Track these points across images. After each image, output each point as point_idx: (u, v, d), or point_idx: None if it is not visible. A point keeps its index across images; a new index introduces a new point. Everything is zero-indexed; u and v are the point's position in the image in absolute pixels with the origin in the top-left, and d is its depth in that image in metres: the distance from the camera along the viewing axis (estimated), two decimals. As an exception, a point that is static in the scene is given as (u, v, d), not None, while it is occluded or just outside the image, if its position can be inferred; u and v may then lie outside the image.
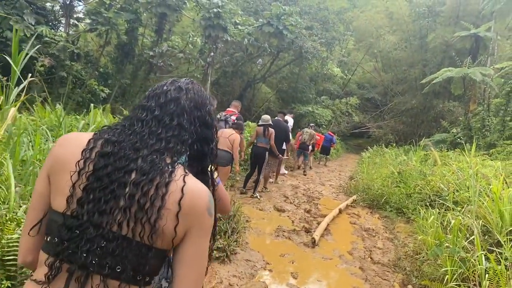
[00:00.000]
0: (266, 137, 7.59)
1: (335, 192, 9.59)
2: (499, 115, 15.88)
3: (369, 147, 22.26)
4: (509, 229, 3.62)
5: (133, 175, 1.01)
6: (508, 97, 15.36)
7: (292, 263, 4.47)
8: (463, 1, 25.33)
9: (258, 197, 7.45)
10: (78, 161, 1.02)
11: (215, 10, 11.95)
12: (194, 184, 1.06)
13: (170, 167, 1.04)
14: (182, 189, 1.02)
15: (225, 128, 6.43)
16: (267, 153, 7.68)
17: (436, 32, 25.87)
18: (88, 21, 14.02)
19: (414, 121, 27.73)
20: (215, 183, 1.25)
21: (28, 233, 1.07)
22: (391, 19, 29.68)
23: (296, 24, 14.11)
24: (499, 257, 3.24)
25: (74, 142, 1.08)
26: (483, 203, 4.32)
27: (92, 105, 5.73)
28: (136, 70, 16.45)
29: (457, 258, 3.40)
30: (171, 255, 1.09)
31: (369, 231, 6.16)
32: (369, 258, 4.89)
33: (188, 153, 1.14)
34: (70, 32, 14.52)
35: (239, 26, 14.17)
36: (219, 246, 4.04)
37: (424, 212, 5.37)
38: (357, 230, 6.16)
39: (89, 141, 1.06)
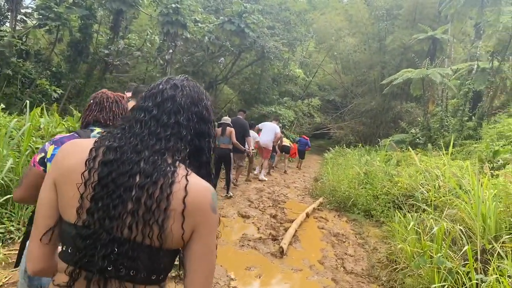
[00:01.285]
0: (226, 136, 7.49)
1: (300, 194, 9.28)
2: (457, 116, 16.20)
3: (331, 148, 22.36)
4: (494, 235, 3.35)
5: (137, 178, 1.02)
6: (465, 98, 15.69)
7: (259, 277, 4.04)
8: (420, 4, 25.93)
9: (232, 195, 7.61)
10: (83, 172, 1.03)
11: (173, 5, 11.39)
12: (196, 183, 1.08)
13: (172, 167, 1.06)
14: (185, 188, 1.03)
15: None
16: (231, 153, 7.55)
17: (394, 35, 26.35)
18: (37, 16, 13.08)
19: (374, 122, 28.14)
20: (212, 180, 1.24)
21: (40, 240, 1.08)
22: (350, 21, 30.02)
23: (258, 23, 13.77)
24: (488, 267, 2.96)
25: (76, 151, 1.09)
26: (463, 206, 4.06)
27: (27, 102, 5.08)
28: (91, 69, 15.64)
29: (444, 269, 3.09)
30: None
31: (338, 237, 5.84)
32: (341, 267, 4.53)
33: (187, 150, 1.14)
34: (18, 28, 13.55)
35: (199, 24, 13.66)
36: (175, 263, 3.52)
37: (400, 216, 5.05)
38: (326, 236, 5.82)
39: (91, 150, 1.06)
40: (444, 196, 5.05)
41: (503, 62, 15.37)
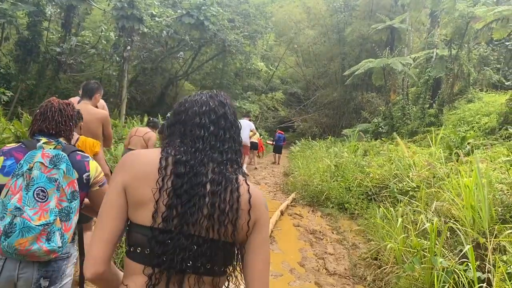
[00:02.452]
0: None
1: (272, 191, 9.00)
2: (418, 103, 16.44)
3: (297, 141, 22.33)
4: (488, 228, 3.16)
5: (208, 187, 1.16)
6: (426, 85, 15.94)
7: None
8: (376, -5, 26.25)
9: None
10: (157, 179, 1.14)
11: (127, -2, 10.77)
12: (253, 186, 1.25)
13: (234, 174, 1.22)
14: (248, 191, 1.21)
15: None
16: None
17: (353, 26, 26.55)
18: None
19: (336, 113, 28.38)
20: None
21: (106, 242, 1.15)
22: (309, 14, 30.03)
23: (218, 15, 13.33)
24: (484, 264, 2.77)
25: (144, 160, 1.21)
26: (450, 197, 3.88)
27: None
28: (43, 69, 14.71)
29: (441, 270, 2.87)
30: None
31: (315, 234, 5.60)
32: (323, 269, 4.27)
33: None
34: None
35: (156, 18, 13.05)
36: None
37: (385, 212, 4.81)
38: (302, 234, 5.56)
39: (161, 159, 1.18)
40: (424, 186, 4.87)
41: (460, 49, 15.69)
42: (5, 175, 1.78)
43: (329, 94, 28.15)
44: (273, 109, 27.17)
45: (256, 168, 12.87)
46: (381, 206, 6.28)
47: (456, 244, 3.58)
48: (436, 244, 3.20)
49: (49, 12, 14.34)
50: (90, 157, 2.00)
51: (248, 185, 1.21)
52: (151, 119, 6.40)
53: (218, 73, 23.07)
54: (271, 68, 28.77)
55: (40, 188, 1.68)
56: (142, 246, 1.13)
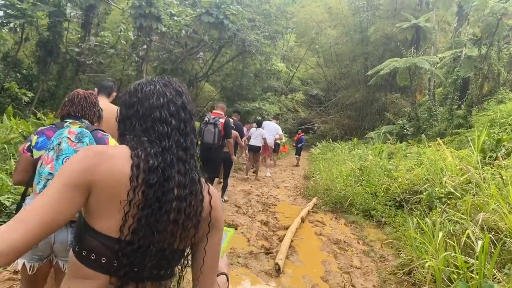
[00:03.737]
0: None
1: (291, 195, 8.58)
2: (446, 104, 15.78)
3: (317, 143, 21.89)
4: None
5: (175, 191, 1.09)
6: (454, 86, 15.24)
7: (254, 305, 3.34)
8: (401, -7, 25.56)
9: (226, 199, 7.11)
10: (128, 191, 1.04)
11: (145, -3, 10.53)
12: (211, 186, 1.21)
13: (197, 174, 1.15)
14: (209, 192, 1.18)
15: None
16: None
17: (376, 25, 25.92)
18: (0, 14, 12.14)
19: (359, 115, 27.85)
20: None
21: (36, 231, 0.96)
22: (330, 13, 29.53)
23: (237, 14, 12.99)
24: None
25: (114, 166, 1.07)
26: (497, 207, 3.41)
27: None
28: (62, 69, 14.73)
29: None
30: None
31: (339, 244, 5.16)
32: (350, 286, 3.85)
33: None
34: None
35: (175, 17, 12.81)
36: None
37: (420, 222, 4.35)
38: (325, 244, 5.13)
39: (132, 167, 1.06)
40: (462, 193, 4.37)
41: (491, 48, 14.95)
42: (38, 150, 2.09)
43: (351, 95, 27.60)
44: (293, 110, 26.78)
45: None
46: (412, 214, 5.83)
47: (504, 261, 3.12)
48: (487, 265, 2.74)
49: (69, 13, 14.35)
50: (109, 135, 2.22)
51: (208, 185, 1.18)
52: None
53: (238, 74, 22.81)
54: (291, 69, 28.40)
55: (67, 157, 1.94)
56: (99, 254, 1.06)
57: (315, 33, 28.37)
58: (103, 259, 1.05)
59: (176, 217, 1.08)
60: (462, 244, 3.26)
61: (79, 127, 2.09)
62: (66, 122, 2.14)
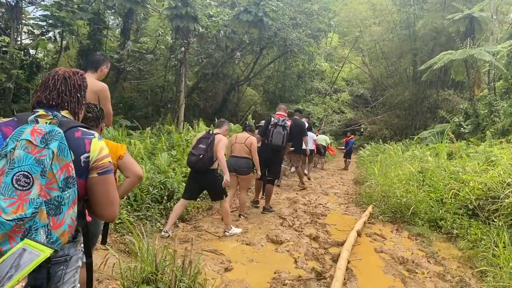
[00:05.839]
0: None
1: (342, 203, 7.72)
2: (509, 98, 14.31)
3: (365, 144, 20.84)
4: None
5: None
6: (519, 77, 13.78)
7: None
8: (450, -15, 23.91)
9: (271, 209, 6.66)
10: None
11: (181, -3, 10.06)
12: None
13: None
14: None
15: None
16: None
17: (424, 19, 24.54)
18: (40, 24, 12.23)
19: (409, 114, 26.45)
20: None
21: None
22: (374, 10, 28.36)
23: (277, 10, 12.29)
24: None
25: None
26: None
27: None
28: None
29: None
30: None
31: (406, 264, 4.29)
32: (430, 325, 3.02)
33: None
34: (25, 40, 12.79)
35: (213, 18, 12.32)
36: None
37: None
38: (389, 264, 4.27)
39: None
40: None
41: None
42: None
43: (399, 93, 26.26)
44: (338, 111, 25.84)
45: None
46: (490, 225, 4.89)
47: None
48: None
49: (109, 20, 14.33)
50: (96, 135, 1.59)
51: None
52: (247, 123, 6.61)
53: (280, 76, 22.23)
54: (336, 68, 27.49)
55: (22, 172, 1.35)
56: None
57: (359, 31, 27.32)
58: None
59: None
60: None
61: (50, 123, 1.47)
62: (34, 113, 1.50)
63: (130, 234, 4.01)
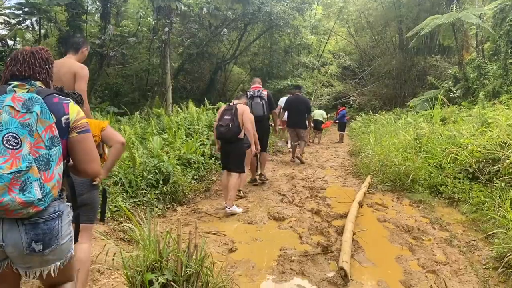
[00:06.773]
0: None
1: (340, 175, 7.65)
2: (499, 59, 14.25)
3: (356, 116, 20.81)
4: None
5: None
6: (507, 37, 13.67)
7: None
8: None
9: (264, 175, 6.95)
10: None
11: (161, -25, 9.71)
12: None
13: None
14: None
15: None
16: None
17: (408, -16, 24.18)
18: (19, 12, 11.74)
19: (397, 83, 26.37)
20: None
21: None
22: (357, -22, 27.91)
23: (261, -16, 11.98)
24: None
25: None
26: None
27: None
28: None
29: None
30: None
31: (412, 232, 4.23)
32: (444, 292, 2.96)
33: None
34: (2, 31, 12.32)
35: (195, -3, 11.97)
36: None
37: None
38: (394, 233, 4.21)
39: None
40: None
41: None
42: None
43: (387, 62, 26.12)
44: (327, 85, 25.66)
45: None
46: (492, 187, 4.85)
47: None
48: None
49: (87, 4, 13.88)
50: (71, 100, 1.80)
51: None
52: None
53: (266, 52, 21.90)
54: (322, 40, 27.19)
55: (11, 134, 1.52)
56: None
57: (343, 1, 26.97)
58: None
59: None
60: None
61: (28, 91, 1.65)
62: (9, 85, 1.67)
63: (128, 221, 3.88)
